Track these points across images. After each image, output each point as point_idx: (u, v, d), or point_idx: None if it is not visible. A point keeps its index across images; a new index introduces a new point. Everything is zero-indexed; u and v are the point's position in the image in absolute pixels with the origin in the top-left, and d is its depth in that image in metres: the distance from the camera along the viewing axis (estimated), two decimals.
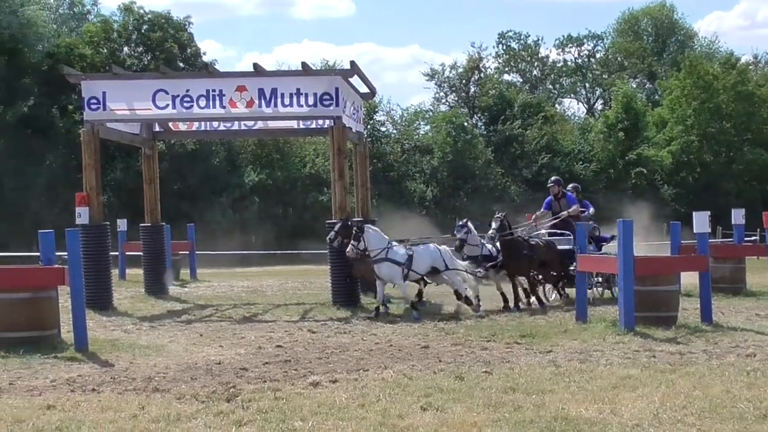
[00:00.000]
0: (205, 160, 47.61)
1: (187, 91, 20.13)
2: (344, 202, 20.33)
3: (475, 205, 46.75)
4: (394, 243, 18.36)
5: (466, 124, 55.74)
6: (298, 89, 20.01)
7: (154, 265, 23.41)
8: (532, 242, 19.54)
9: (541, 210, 21.32)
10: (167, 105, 20.13)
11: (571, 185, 22.04)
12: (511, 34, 73.25)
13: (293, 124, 23.26)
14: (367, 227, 18.45)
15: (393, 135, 55.41)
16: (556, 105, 70.26)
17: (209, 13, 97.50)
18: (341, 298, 19.68)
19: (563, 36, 75.75)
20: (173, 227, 27.29)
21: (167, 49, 49.56)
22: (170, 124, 23.64)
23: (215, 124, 23.33)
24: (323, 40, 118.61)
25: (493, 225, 19.19)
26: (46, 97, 46.99)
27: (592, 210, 21.45)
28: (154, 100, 20.13)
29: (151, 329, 16.28)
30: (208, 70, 23.97)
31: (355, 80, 22.47)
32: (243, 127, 23.79)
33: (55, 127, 46.54)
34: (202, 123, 23.28)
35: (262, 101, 20.00)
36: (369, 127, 48.24)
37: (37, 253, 24.80)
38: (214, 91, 20.06)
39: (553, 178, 21.90)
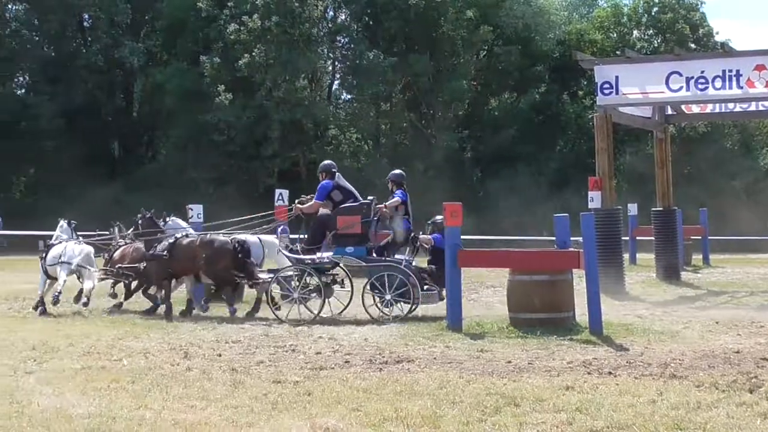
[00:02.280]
0: (716, 142, 46.38)
1: (702, 72, 19.61)
2: None
3: None
4: None
5: None
6: None
7: (665, 250, 23.08)
8: (177, 241, 16.44)
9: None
10: (681, 87, 19.76)
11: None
12: None
13: None
14: None
15: None
16: None
17: None
18: None
19: None
20: (683, 212, 26.78)
21: (678, 31, 48.81)
22: (683, 106, 23.16)
23: (730, 105, 22.58)
24: None
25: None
26: (557, 84, 48.17)
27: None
28: (667, 83, 19.83)
29: (664, 315, 16.02)
30: (723, 50, 23.19)
31: None
32: (760, 108, 22.79)
33: (566, 112, 47.56)
34: (716, 105, 22.61)
35: None
36: None
37: (548, 237, 25.31)
38: (730, 71, 19.38)
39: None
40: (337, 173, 16.12)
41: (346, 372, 10.40)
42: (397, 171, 16.52)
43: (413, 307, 15.13)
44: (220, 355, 11.57)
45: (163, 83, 46.86)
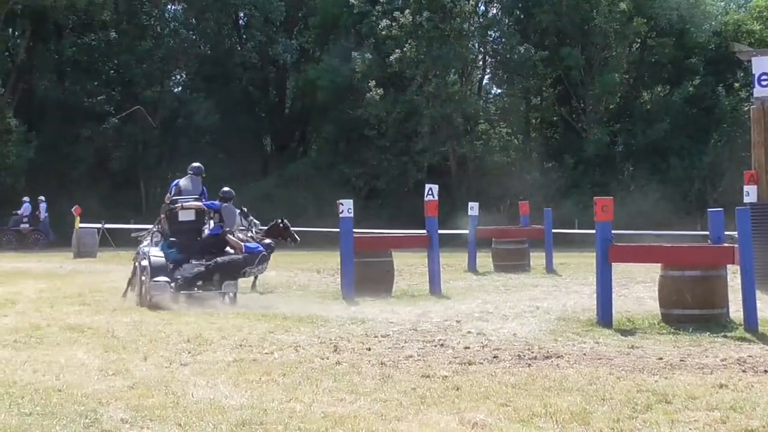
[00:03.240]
0: None
1: None
2: None
3: None
4: None
5: None
6: None
7: None
8: None
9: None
10: None
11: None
12: None
13: None
14: None
15: None
16: None
17: None
18: None
19: None
20: None
21: None
22: None
23: None
24: None
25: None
26: (712, 76, 47.02)
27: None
28: None
29: None
30: None
31: None
32: None
33: (720, 105, 46.42)
34: None
35: None
36: None
37: (701, 232, 24.68)
38: None
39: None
40: (190, 174, 18.54)
41: (494, 367, 10.40)
42: (225, 188, 18.47)
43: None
44: (369, 349, 11.69)
45: (316, 79, 47.50)
